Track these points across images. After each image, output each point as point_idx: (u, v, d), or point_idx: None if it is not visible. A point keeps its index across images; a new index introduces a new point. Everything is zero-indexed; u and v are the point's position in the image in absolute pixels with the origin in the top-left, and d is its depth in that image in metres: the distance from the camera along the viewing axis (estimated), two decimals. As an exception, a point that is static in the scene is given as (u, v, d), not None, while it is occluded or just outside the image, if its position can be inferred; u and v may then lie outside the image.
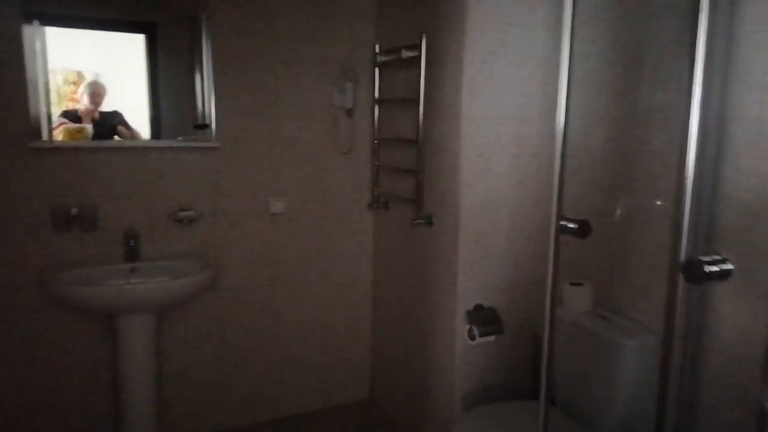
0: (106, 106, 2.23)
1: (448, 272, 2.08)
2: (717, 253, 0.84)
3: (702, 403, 1.59)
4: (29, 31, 2.00)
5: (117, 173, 2.18)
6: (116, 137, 2.24)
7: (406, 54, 2.11)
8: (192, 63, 2.30)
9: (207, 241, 2.35)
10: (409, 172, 2.23)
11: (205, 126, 2.29)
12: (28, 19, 1.99)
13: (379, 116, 2.49)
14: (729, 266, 0.83)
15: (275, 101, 2.38)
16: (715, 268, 0.82)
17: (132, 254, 2.19)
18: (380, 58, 2.39)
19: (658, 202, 1.65)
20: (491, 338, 2.04)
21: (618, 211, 1.54)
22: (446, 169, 2.04)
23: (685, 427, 1.63)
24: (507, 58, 1.93)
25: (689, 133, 0.83)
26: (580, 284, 1.92)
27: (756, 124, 1.32)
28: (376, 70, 2.44)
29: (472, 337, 2.02)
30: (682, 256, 0.82)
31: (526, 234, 2.10)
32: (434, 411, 2.24)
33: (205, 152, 2.30)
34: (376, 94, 2.47)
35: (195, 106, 2.32)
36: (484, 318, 2.05)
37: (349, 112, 2.48)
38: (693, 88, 0.83)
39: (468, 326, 2.04)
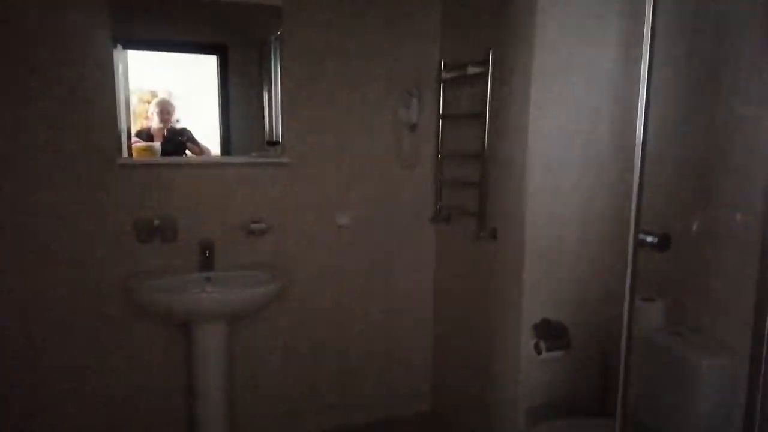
0: (177, 123, 2.35)
1: (514, 286, 2.08)
2: None
3: (787, 427, 1.52)
4: (115, 55, 2.16)
5: (194, 188, 2.31)
6: (186, 153, 2.36)
7: (472, 70, 2.15)
8: (261, 82, 2.42)
9: (277, 252, 2.45)
10: (473, 186, 2.25)
11: (276, 143, 2.39)
12: (114, 43, 2.14)
13: (442, 131, 2.53)
14: None
15: (343, 118, 2.46)
16: None
17: (207, 264, 2.30)
18: (445, 75, 2.44)
19: (739, 217, 1.61)
20: (558, 353, 2.02)
21: (695, 226, 1.51)
22: (512, 183, 2.05)
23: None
24: (576, 73, 1.93)
25: None
26: (652, 299, 1.88)
27: None
28: (441, 86, 2.49)
29: (539, 352, 2.01)
30: None
31: (594, 249, 2.07)
32: (497, 426, 2.23)
33: (276, 167, 2.40)
34: (441, 110, 2.51)
35: (263, 125, 2.43)
36: (551, 332, 2.03)
37: (413, 128, 2.53)
38: None
39: (535, 340, 2.04)
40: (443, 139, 2.53)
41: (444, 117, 2.51)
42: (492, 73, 2.06)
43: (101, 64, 2.13)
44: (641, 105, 1.07)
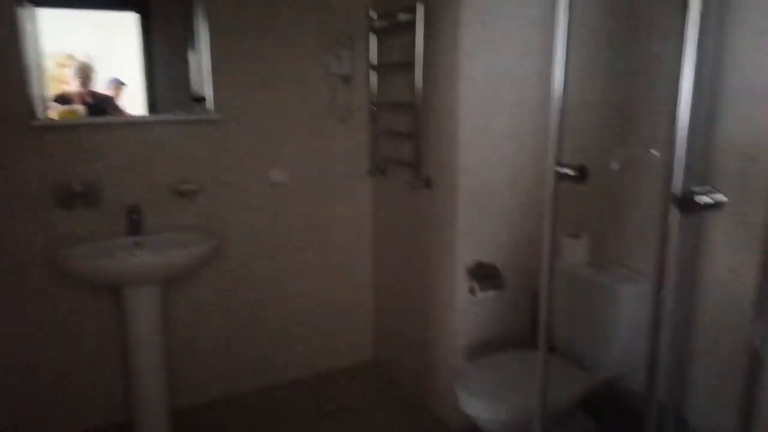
0: (98, 88, 2.21)
1: (448, 231, 2.14)
2: (707, 183, 0.90)
3: (696, 344, 1.68)
4: (22, 13, 1.98)
5: (117, 149, 2.18)
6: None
7: (402, 17, 2.13)
8: (186, 38, 2.29)
9: (209, 212, 2.38)
10: (408, 136, 2.27)
11: (203, 99, 2.30)
12: (19, 1, 1.96)
13: (377, 82, 2.51)
14: (722, 198, 0.89)
15: (273, 72, 2.39)
16: (708, 199, 0.88)
17: (135, 228, 2.21)
18: (376, 24, 2.41)
19: (655, 152, 1.71)
20: (492, 293, 2.12)
21: (614, 163, 1.60)
22: (444, 131, 2.09)
23: (680, 366, 1.73)
24: (505, 19, 1.96)
25: (683, 72, 0.88)
26: (577, 236, 1.99)
27: (751, 68, 1.38)
28: (372, 35, 2.46)
29: (474, 293, 2.10)
30: (676, 189, 0.88)
31: (525, 192, 2.16)
32: (437, 366, 2.33)
33: (204, 125, 2.31)
34: (373, 60, 2.48)
35: (191, 81, 2.32)
36: (484, 274, 2.13)
37: (347, 79, 2.49)
38: (686, 34, 0.88)
39: (469, 282, 2.12)
40: (378, 90, 2.52)
41: (377, 67, 2.49)
42: (422, 19, 2.05)
43: (8, 21, 1.94)
44: (558, 44, 1.10)
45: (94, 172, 2.16)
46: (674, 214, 0.93)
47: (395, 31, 2.31)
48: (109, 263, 2.03)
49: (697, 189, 0.87)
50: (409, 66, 2.15)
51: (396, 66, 2.35)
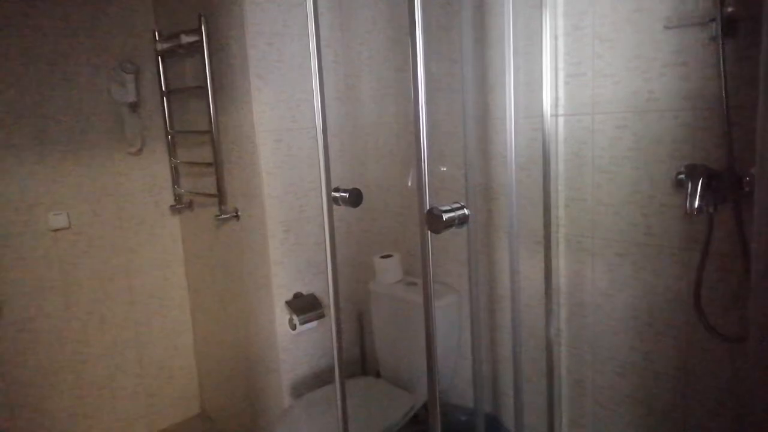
0: None
1: (262, 264, 2.01)
2: (456, 202, 0.91)
3: (501, 345, 1.73)
4: None
5: None
6: None
7: (186, 39, 1.97)
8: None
9: (-29, 269, 1.99)
10: (209, 166, 2.10)
11: (-51, 134, 1.92)
12: None
13: (169, 109, 2.31)
14: (465, 211, 0.90)
15: (42, 101, 2.08)
16: (453, 215, 0.88)
17: None
18: (161, 46, 2.21)
19: (443, 168, 1.75)
20: (313, 324, 2.02)
21: (410, 180, 1.60)
22: (245, 159, 1.96)
23: (493, 371, 1.77)
24: (294, 39, 1.91)
25: (419, 96, 0.87)
26: (390, 256, 1.98)
27: (514, 87, 1.45)
28: (159, 59, 2.26)
29: (293, 327, 1.98)
30: (425, 208, 0.87)
31: (337, 216, 2.10)
32: (266, 410, 2.16)
33: (-46, 165, 1.93)
34: (163, 85, 2.28)
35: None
36: (303, 305, 2.02)
37: (134, 107, 2.25)
38: (416, 58, 0.88)
39: (288, 316, 2.00)
40: (172, 118, 2.31)
41: (168, 93, 2.29)
42: (208, 41, 1.92)
43: None
44: (314, 70, 1.06)
45: None
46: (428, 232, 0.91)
47: (184, 53, 2.14)
48: None
49: (444, 207, 0.86)
50: (202, 91, 2.00)
51: (188, 91, 2.18)
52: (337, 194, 1.11)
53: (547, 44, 1.42)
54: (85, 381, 2.28)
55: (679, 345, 1.33)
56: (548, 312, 1.52)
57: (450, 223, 0.86)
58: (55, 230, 2.14)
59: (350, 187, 1.11)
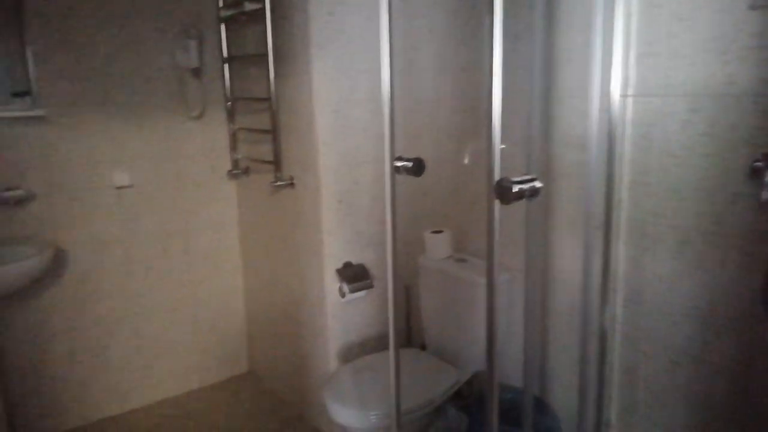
0: None
1: (314, 232, 2.04)
2: (527, 174, 0.89)
3: (553, 329, 1.72)
4: None
5: None
6: None
7: (250, 6, 1.99)
8: (12, 27, 2.00)
9: (43, 222, 2.10)
10: (267, 133, 2.13)
11: (25, 93, 2.01)
12: None
13: (230, 76, 2.34)
14: (537, 184, 0.88)
15: (109, 63, 2.15)
16: (524, 186, 0.87)
17: (-52, 245, 1.90)
18: (224, 13, 2.24)
19: (503, 146, 1.72)
20: (362, 293, 2.06)
21: (467, 157, 1.59)
22: (303, 128, 1.98)
23: (537, 352, 1.77)
24: (356, 10, 1.89)
25: (493, 68, 0.86)
26: (440, 231, 1.98)
27: (582, 65, 1.41)
28: (222, 25, 2.29)
29: (343, 295, 2.02)
30: (494, 178, 0.86)
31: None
32: (312, 374, 2.23)
33: (30, 123, 2.03)
34: (225, 52, 2.31)
35: (18, 75, 2.02)
36: (353, 275, 2.06)
37: (197, 72, 2.30)
38: (494, 30, 0.86)
39: (338, 284, 2.04)
40: (232, 84, 2.35)
41: (230, 59, 2.32)
42: (271, 9, 1.93)
43: None
44: (384, 41, 1.06)
45: None
46: (496, 203, 0.90)
47: (246, 20, 2.16)
48: None
49: (514, 178, 0.85)
50: (263, 58, 2.02)
51: (249, 58, 2.20)
52: (399, 163, 1.11)
53: (619, 22, 1.37)
54: (142, 333, 2.40)
55: (743, 340, 1.28)
56: (604, 297, 1.50)
57: (521, 194, 0.85)
58: (119, 188, 2.24)
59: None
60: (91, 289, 2.25)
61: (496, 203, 0.87)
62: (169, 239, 2.40)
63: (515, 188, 0.86)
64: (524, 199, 0.87)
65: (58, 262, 2.13)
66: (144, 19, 2.19)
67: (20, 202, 2.04)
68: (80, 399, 2.29)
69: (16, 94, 2.00)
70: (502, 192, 0.86)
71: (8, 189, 2.00)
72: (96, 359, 2.31)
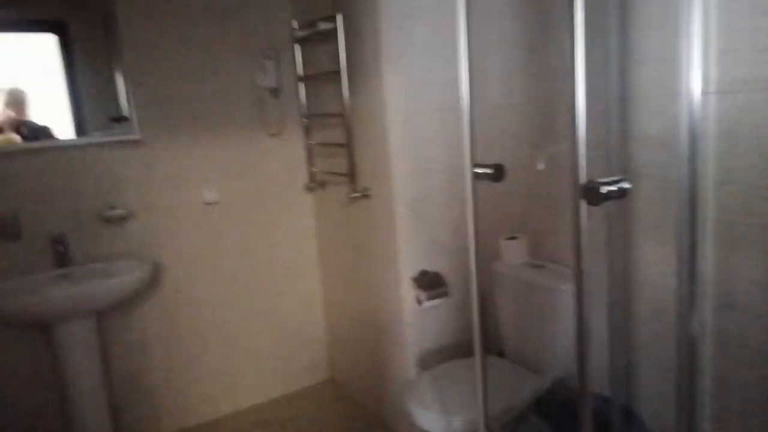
0: (33, 116, 2.10)
1: (389, 241, 2.09)
2: (614, 175, 0.89)
3: (636, 334, 1.67)
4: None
5: (36, 177, 2.07)
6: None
7: (323, 26, 2.08)
8: (108, 57, 2.20)
9: (141, 238, 2.28)
10: (342, 147, 2.22)
11: (124, 118, 2.20)
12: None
13: (306, 94, 2.46)
14: (626, 185, 0.87)
15: (196, 87, 2.31)
16: (612, 188, 0.87)
17: (62, 260, 2.10)
18: (298, 34, 2.35)
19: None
20: (438, 301, 2.08)
21: (541, 163, 1.58)
22: (376, 140, 2.04)
23: (622, 358, 1.72)
24: (424, 23, 1.94)
25: (576, 67, 0.86)
26: (515, 238, 1.97)
27: (656, 62, 1.38)
28: (297, 46, 2.40)
29: (420, 302, 2.05)
30: (581, 180, 0.86)
31: (461, 196, 2.13)
32: (392, 381, 2.27)
33: (128, 146, 2.21)
34: (300, 71, 2.43)
35: (113, 101, 2.23)
36: (429, 282, 2.08)
37: (275, 92, 2.43)
38: (575, 30, 0.87)
39: (415, 292, 2.08)
40: (308, 101, 2.46)
41: (305, 78, 2.43)
42: (344, 27, 2.01)
43: None
44: (461, 49, 1.08)
45: (11, 202, 2.04)
46: (583, 205, 0.90)
47: (319, 40, 2.26)
48: (32, 299, 1.92)
49: (601, 179, 0.85)
50: (337, 76, 2.10)
51: (323, 76, 2.30)
52: (479, 170, 1.13)
53: (698, 17, 1.33)
54: (230, 342, 2.54)
55: None
56: (692, 302, 1.44)
57: (609, 195, 0.85)
58: (207, 204, 2.39)
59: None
60: (184, 300, 2.41)
61: (583, 206, 0.87)
62: (252, 251, 2.54)
63: (604, 189, 0.86)
64: (610, 202, 0.87)
65: (155, 275, 2.30)
66: (226, 44, 2.34)
67: (122, 220, 2.22)
68: (176, 405, 2.45)
69: (115, 120, 2.20)
70: (591, 194, 0.86)
71: (111, 208, 2.19)
72: (189, 367, 2.46)
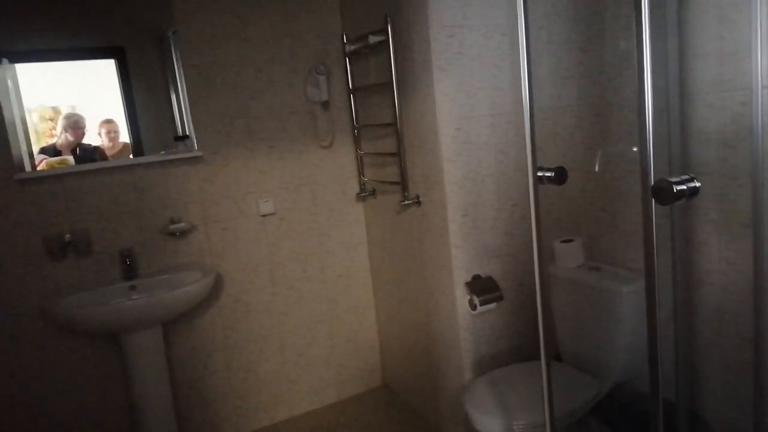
0: (87, 139, 2.24)
1: (442, 247, 2.11)
2: (685, 174, 0.89)
3: (700, 335, 1.64)
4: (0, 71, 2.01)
5: (104, 195, 2.19)
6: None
7: (374, 39, 2.14)
8: (165, 78, 2.33)
9: (203, 250, 2.38)
10: (392, 156, 2.26)
11: (185, 137, 2.31)
12: (-4, 58, 2.00)
13: (355, 105, 2.52)
14: (696, 184, 0.87)
15: (251, 104, 2.40)
16: (683, 187, 0.87)
17: (130, 272, 2.21)
18: (349, 48, 2.42)
19: (635, 149, 1.69)
20: (492, 306, 2.08)
21: (597, 163, 1.58)
22: (427, 147, 2.08)
23: (686, 360, 1.68)
24: (473, 30, 1.97)
25: (644, 61, 0.87)
26: (570, 240, 1.96)
27: (715, 57, 1.37)
28: (347, 60, 2.47)
29: (474, 307, 2.06)
30: (652, 180, 0.87)
31: (512, 201, 2.14)
32: (446, 386, 2.28)
33: (189, 163, 2.32)
34: (350, 84, 2.49)
35: (174, 120, 2.34)
36: (482, 287, 2.09)
37: (326, 105, 2.50)
38: (642, 26, 0.87)
39: (468, 297, 2.09)
40: (357, 113, 2.52)
41: (355, 90, 2.50)
42: (393, 39, 2.06)
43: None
44: (522, 53, 1.10)
45: (82, 219, 2.16)
46: (652, 206, 0.91)
47: (369, 52, 2.32)
48: (104, 310, 2.03)
49: (671, 178, 0.85)
50: (386, 86, 2.15)
51: (373, 88, 2.35)
52: (541, 173, 1.14)
53: (759, 9, 1.31)
54: (286, 349, 2.61)
55: None
56: (758, 300, 1.41)
57: (680, 194, 0.85)
58: (264, 215, 2.47)
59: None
60: (243, 309, 2.49)
61: (654, 205, 0.88)
62: (306, 260, 2.60)
63: (675, 188, 0.86)
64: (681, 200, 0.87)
65: (215, 285, 2.39)
66: (278, 61, 2.43)
67: (184, 233, 2.32)
68: (235, 411, 2.53)
69: (178, 138, 2.31)
70: (662, 193, 0.86)
71: (173, 222, 2.30)
72: (248, 374, 2.54)
